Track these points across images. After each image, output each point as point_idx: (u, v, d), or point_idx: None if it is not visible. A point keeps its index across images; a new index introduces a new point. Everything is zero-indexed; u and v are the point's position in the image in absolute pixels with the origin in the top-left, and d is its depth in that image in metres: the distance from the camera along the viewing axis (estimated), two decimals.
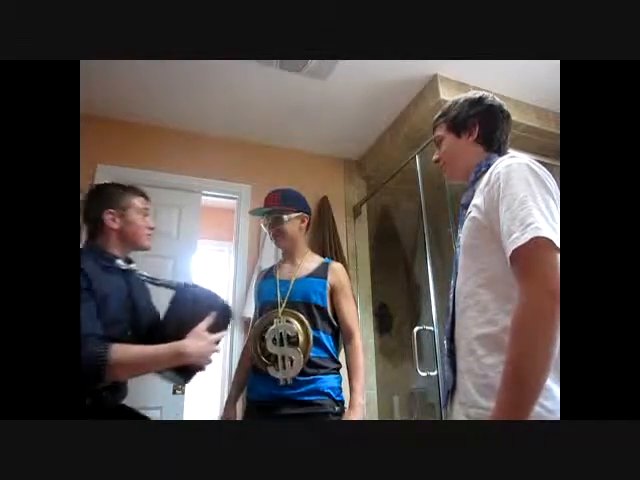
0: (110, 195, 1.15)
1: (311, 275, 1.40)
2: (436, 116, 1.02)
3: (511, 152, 0.92)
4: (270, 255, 2.27)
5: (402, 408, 2.70)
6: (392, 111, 2.35)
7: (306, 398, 1.25)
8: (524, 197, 0.71)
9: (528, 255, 0.67)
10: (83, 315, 0.87)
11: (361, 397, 1.27)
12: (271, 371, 1.28)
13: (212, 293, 1.16)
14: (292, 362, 1.27)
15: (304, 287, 1.37)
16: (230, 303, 1.21)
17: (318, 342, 1.32)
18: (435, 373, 1.81)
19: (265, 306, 1.41)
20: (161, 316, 1.17)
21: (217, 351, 1.07)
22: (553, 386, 0.66)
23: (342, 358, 1.40)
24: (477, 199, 0.82)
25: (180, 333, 1.02)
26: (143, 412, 1.19)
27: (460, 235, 0.88)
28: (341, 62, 1.94)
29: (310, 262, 1.46)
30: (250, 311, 2.09)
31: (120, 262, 1.11)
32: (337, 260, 1.98)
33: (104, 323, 0.96)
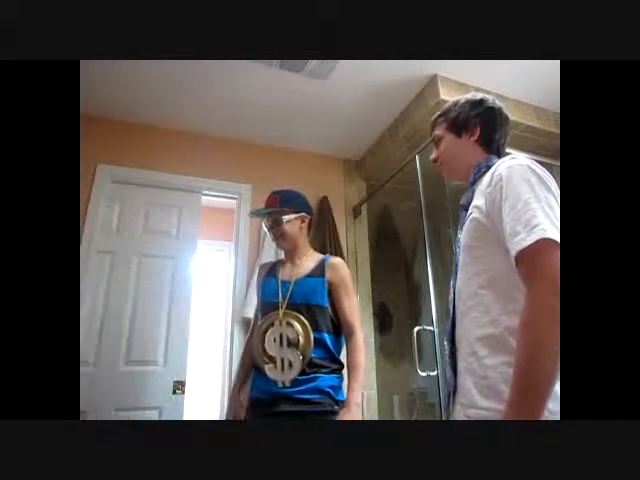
0: None
1: (310, 275, 1.40)
2: (435, 115, 1.02)
3: (511, 153, 0.92)
4: (270, 255, 2.27)
5: (402, 408, 2.70)
6: (392, 111, 2.35)
7: (305, 396, 1.25)
8: (528, 198, 0.71)
9: (535, 256, 0.67)
10: None
11: (357, 396, 1.26)
12: (269, 372, 1.28)
13: None
14: (291, 365, 1.27)
15: (304, 288, 1.37)
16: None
17: (320, 343, 1.31)
18: (435, 373, 1.81)
19: (267, 307, 1.41)
20: None
21: None
22: (556, 387, 0.66)
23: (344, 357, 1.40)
24: (478, 200, 0.82)
25: None
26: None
27: (460, 236, 0.88)
28: (341, 62, 1.94)
29: (310, 261, 1.46)
30: (250, 311, 2.09)
31: None
32: None
33: None
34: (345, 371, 1.37)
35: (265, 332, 1.33)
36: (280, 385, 1.26)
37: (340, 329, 1.40)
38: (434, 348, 1.81)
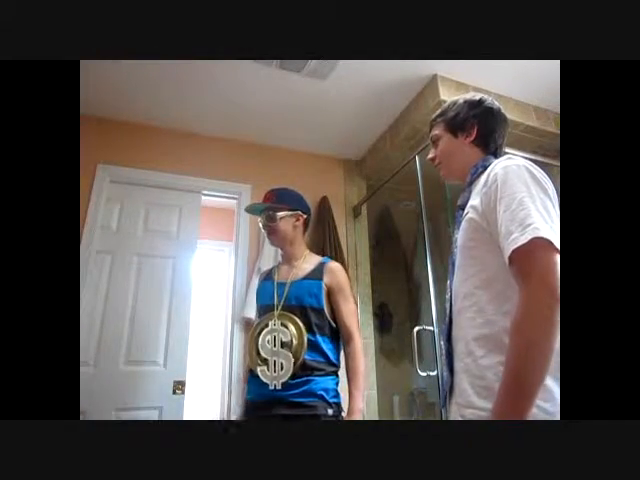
0: None
1: (307, 277, 1.39)
2: (434, 115, 1.02)
3: (508, 154, 0.92)
4: (270, 255, 2.27)
5: (402, 408, 2.70)
6: (392, 111, 2.35)
7: (298, 399, 1.23)
8: (522, 198, 0.71)
9: (528, 255, 0.67)
10: None
11: (360, 402, 1.25)
12: (262, 375, 1.26)
13: None
14: (282, 367, 1.25)
15: (299, 290, 1.36)
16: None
17: (314, 346, 1.29)
18: (435, 373, 1.81)
19: (263, 309, 1.41)
20: None
21: None
22: (554, 388, 0.66)
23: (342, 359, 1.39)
24: (474, 200, 0.82)
25: None
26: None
27: (457, 236, 0.88)
28: (341, 62, 1.94)
29: (308, 263, 1.44)
30: (250, 311, 2.10)
31: None
32: (337, 260, 1.97)
33: None
34: (343, 375, 1.35)
35: (259, 334, 1.32)
36: (272, 387, 1.24)
37: (338, 333, 1.39)
38: (434, 348, 1.81)
